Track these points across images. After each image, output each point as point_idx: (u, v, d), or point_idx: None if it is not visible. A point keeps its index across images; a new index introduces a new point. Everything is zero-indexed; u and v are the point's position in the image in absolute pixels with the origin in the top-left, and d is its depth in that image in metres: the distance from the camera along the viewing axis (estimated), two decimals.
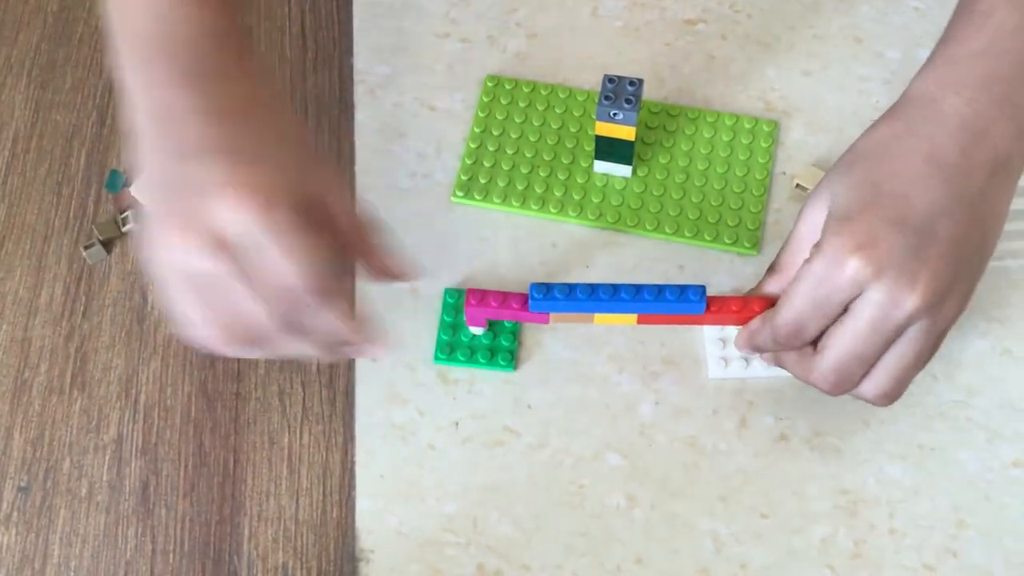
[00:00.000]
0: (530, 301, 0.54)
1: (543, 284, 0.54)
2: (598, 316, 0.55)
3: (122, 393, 0.59)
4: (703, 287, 0.53)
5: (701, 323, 0.55)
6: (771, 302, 0.52)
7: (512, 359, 0.58)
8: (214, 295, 0.43)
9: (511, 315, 0.56)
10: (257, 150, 0.45)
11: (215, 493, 0.56)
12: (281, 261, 0.43)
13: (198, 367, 0.60)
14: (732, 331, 0.57)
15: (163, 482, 0.57)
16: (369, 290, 0.61)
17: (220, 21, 0.48)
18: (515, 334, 0.59)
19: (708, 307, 0.54)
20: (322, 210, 0.46)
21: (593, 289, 0.54)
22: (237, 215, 0.42)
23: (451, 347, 0.58)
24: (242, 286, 0.43)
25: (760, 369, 0.56)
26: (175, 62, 0.46)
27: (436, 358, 0.58)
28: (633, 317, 0.55)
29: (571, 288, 0.54)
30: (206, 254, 0.42)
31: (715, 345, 0.58)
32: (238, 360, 0.60)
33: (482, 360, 0.58)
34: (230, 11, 0.48)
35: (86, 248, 0.63)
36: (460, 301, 0.59)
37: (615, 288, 0.54)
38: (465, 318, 0.57)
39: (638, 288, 0.54)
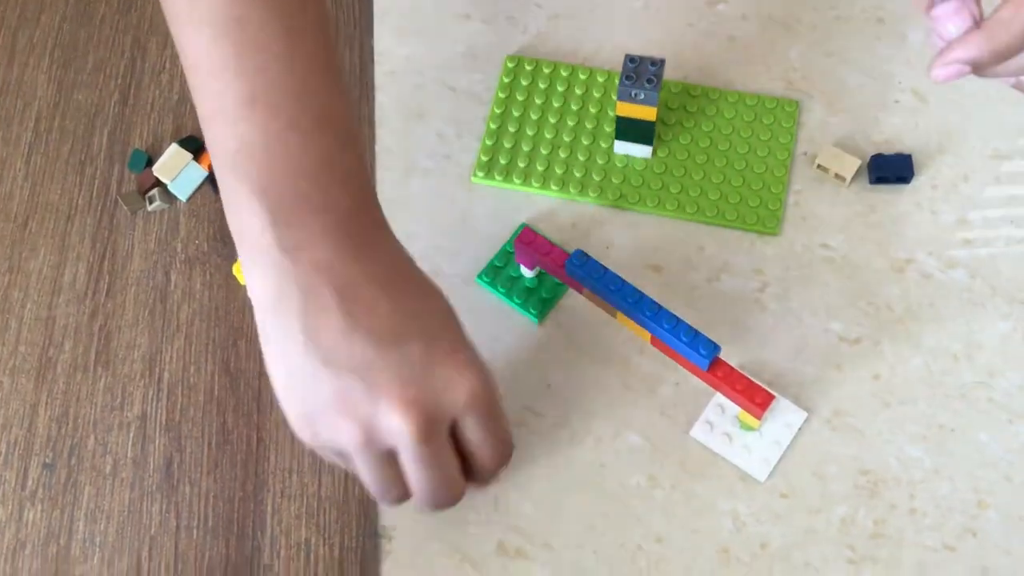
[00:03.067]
0: (566, 263, 0.55)
1: (585, 254, 0.55)
2: (620, 315, 0.55)
3: (146, 371, 0.60)
4: (717, 347, 0.52)
5: (704, 380, 0.55)
6: (769, 400, 0.52)
7: (542, 311, 0.59)
8: (390, 470, 0.46)
9: (550, 268, 0.56)
10: (445, 327, 0.46)
11: (238, 470, 0.57)
12: (496, 441, 0.46)
13: (221, 346, 0.60)
14: (732, 405, 0.56)
15: (187, 459, 0.57)
16: None
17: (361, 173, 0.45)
18: (557, 291, 0.59)
19: (714, 369, 0.53)
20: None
21: (622, 285, 0.54)
22: (460, 400, 0.44)
23: (496, 273, 0.60)
24: (436, 470, 0.45)
25: (735, 455, 0.55)
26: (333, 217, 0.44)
27: (479, 277, 0.60)
28: (648, 335, 0.55)
29: (605, 272, 0.54)
30: (417, 440, 0.44)
31: (713, 408, 0.56)
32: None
33: (517, 299, 0.59)
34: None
35: (150, 200, 0.63)
36: None
37: (640, 297, 0.54)
38: (515, 252, 0.58)
39: (659, 310, 0.53)
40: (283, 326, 0.43)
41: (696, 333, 0.53)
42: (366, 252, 0.44)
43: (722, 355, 0.54)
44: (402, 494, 0.47)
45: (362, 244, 0.44)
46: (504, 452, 0.48)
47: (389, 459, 0.45)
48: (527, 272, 0.60)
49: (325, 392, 0.43)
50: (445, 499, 0.48)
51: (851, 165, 0.61)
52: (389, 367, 0.43)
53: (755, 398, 0.53)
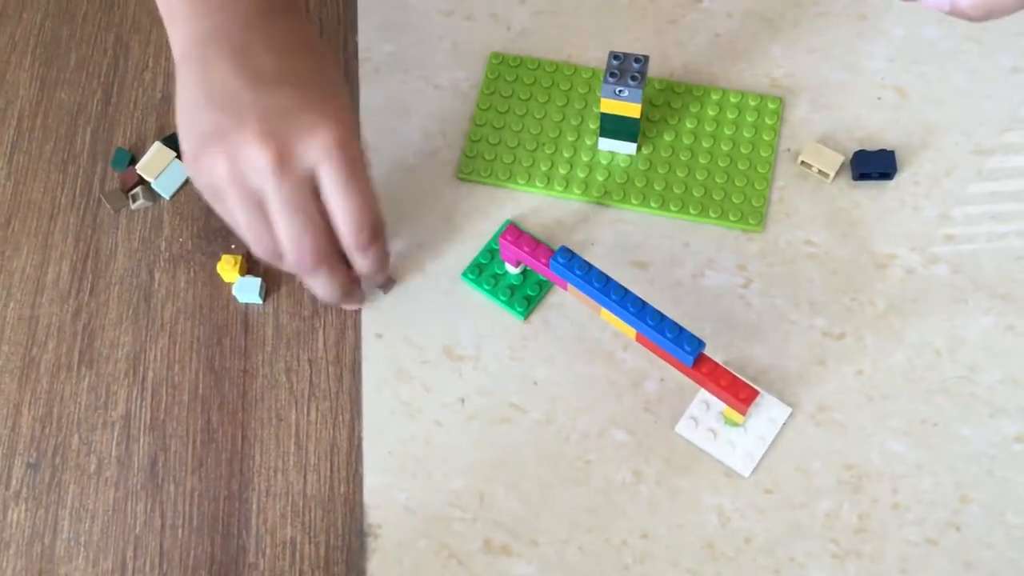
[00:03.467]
0: (551, 260, 0.55)
1: (569, 251, 0.55)
2: (605, 311, 0.56)
3: (130, 370, 0.60)
4: (701, 343, 0.53)
5: (688, 376, 0.55)
6: (753, 395, 0.53)
7: (527, 308, 0.59)
8: (258, 213, 0.50)
9: (535, 265, 0.57)
10: (325, 87, 0.50)
11: (223, 469, 0.57)
12: (353, 197, 0.50)
13: (205, 344, 0.60)
14: (717, 401, 0.56)
15: (171, 458, 0.57)
16: None
17: None
18: (542, 288, 0.59)
19: (699, 366, 0.54)
20: None
21: (607, 282, 0.54)
22: (318, 143, 0.48)
23: (481, 270, 0.60)
24: (298, 214, 0.50)
25: (720, 451, 0.55)
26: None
27: (464, 275, 0.60)
28: (633, 332, 0.55)
29: (590, 269, 0.54)
30: (273, 172, 0.48)
31: (698, 404, 0.57)
32: (245, 337, 0.60)
33: (501, 296, 0.59)
34: None
35: (133, 198, 0.63)
36: None
37: (625, 293, 0.54)
38: (500, 249, 0.58)
39: (644, 306, 0.54)
40: (186, 72, 0.51)
41: (681, 330, 0.53)
42: (266, 22, 0.51)
43: (706, 351, 0.55)
44: (272, 245, 0.51)
45: (266, 15, 0.51)
46: (363, 218, 0.51)
47: (259, 203, 0.50)
48: (512, 269, 0.60)
49: (206, 126, 0.49)
50: (312, 254, 0.51)
51: (834, 161, 0.62)
52: (258, 105, 0.48)
53: (739, 394, 0.53)
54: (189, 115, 0.51)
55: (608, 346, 0.59)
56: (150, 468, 0.57)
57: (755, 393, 0.53)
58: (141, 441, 0.58)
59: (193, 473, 0.57)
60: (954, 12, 0.46)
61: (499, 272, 0.60)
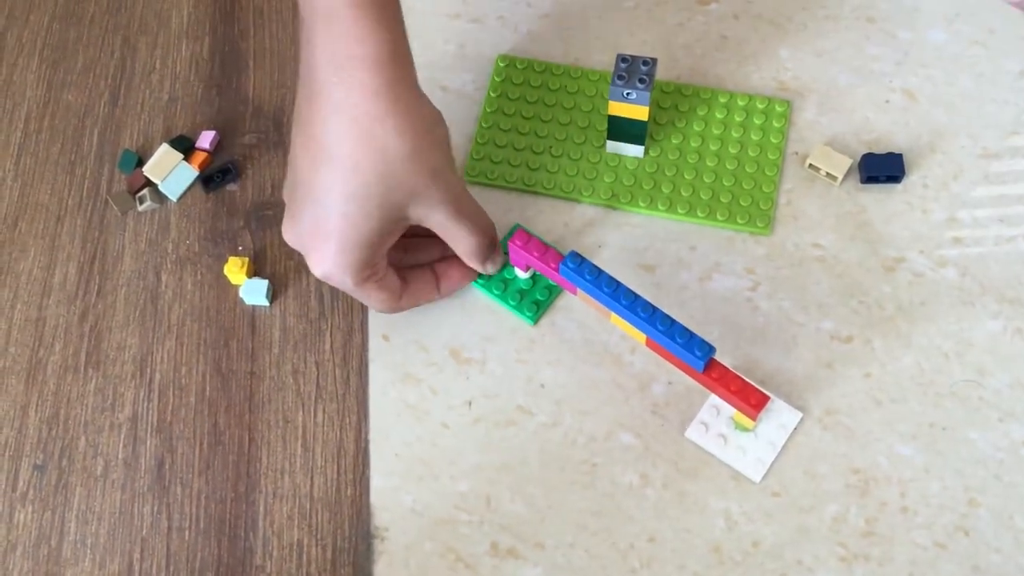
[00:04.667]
0: (561, 265, 0.55)
1: (579, 256, 0.55)
2: (614, 316, 0.55)
3: (137, 372, 0.60)
4: (711, 348, 0.52)
5: (698, 381, 0.55)
6: (764, 401, 0.52)
7: (536, 312, 0.59)
8: None
9: (544, 270, 0.57)
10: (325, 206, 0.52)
11: (230, 471, 0.57)
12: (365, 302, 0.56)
13: (212, 347, 0.60)
14: (727, 406, 0.56)
15: (178, 460, 0.57)
16: None
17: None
18: (551, 292, 0.59)
19: (709, 371, 0.53)
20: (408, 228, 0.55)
21: (616, 287, 0.54)
22: (319, 272, 0.53)
23: (490, 276, 0.60)
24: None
25: (730, 456, 0.55)
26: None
27: (475, 281, 0.60)
28: (643, 336, 0.55)
29: (599, 273, 0.54)
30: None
31: (708, 409, 0.57)
32: (252, 340, 0.60)
33: (511, 301, 0.59)
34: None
35: (140, 200, 0.63)
36: None
37: (634, 298, 0.54)
38: (509, 254, 0.58)
39: (654, 311, 0.53)
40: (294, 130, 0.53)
41: (691, 335, 0.53)
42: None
43: (715, 355, 0.55)
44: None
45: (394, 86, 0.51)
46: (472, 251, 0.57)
47: None
48: (521, 274, 0.60)
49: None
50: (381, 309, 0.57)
51: (842, 164, 0.62)
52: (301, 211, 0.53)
53: (750, 399, 0.53)
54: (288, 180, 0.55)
55: (616, 349, 0.58)
56: (157, 470, 0.57)
57: (766, 398, 0.53)
58: (148, 443, 0.58)
59: (200, 475, 0.57)
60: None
61: (508, 277, 0.60)
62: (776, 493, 0.55)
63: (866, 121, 0.64)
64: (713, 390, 0.55)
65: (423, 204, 0.53)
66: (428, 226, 0.55)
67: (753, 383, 0.54)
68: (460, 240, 0.56)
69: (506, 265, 0.60)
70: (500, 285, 0.60)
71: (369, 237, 0.52)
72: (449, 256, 0.59)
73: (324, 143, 0.51)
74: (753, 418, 0.54)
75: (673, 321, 0.53)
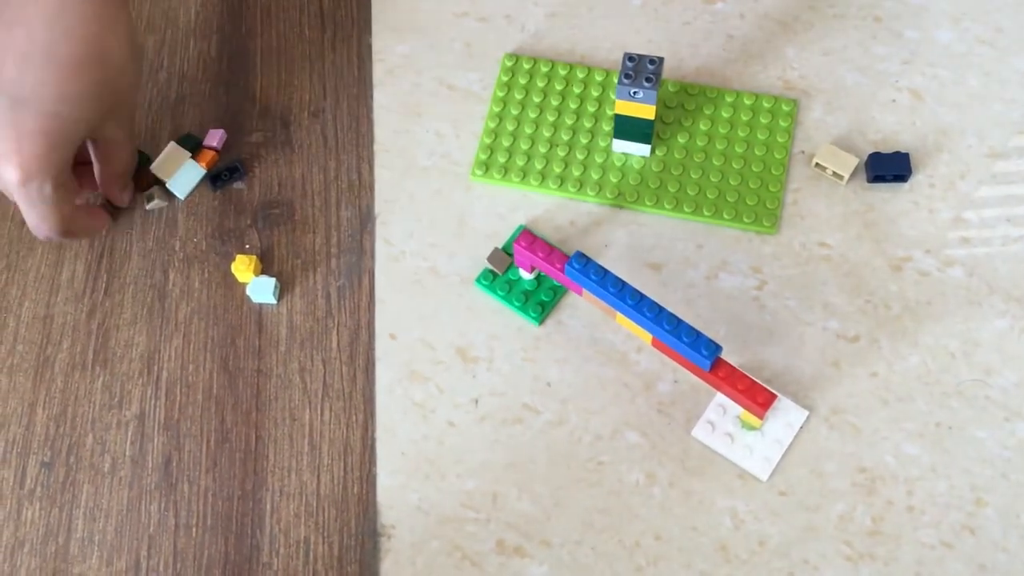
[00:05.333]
0: (566, 266, 0.55)
1: (585, 257, 0.55)
2: (620, 316, 0.55)
3: (144, 370, 0.60)
4: (718, 347, 0.53)
5: (704, 380, 0.55)
6: (771, 400, 0.52)
7: (541, 313, 0.59)
8: None
9: (549, 271, 0.57)
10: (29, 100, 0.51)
11: (237, 468, 0.57)
12: (33, 220, 0.56)
13: (219, 344, 0.60)
14: (733, 405, 0.56)
15: (185, 457, 0.57)
16: (391, 274, 0.61)
17: None
18: (556, 293, 0.59)
19: (716, 370, 0.53)
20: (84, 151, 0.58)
21: (622, 286, 0.54)
22: (17, 176, 0.53)
23: (495, 275, 0.60)
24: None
25: (737, 455, 0.55)
26: None
27: (478, 281, 0.60)
28: (648, 335, 0.55)
29: (605, 274, 0.54)
30: None
31: (715, 408, 0.57)
32: (259, 338, 0.60)
33: (516, 302, 0.59)
34: None
35: (148, 198, 0.64)
36: None
37: (640, 298, 0.54)
38: (514, 254, 0.58)
39: (660, 311, 0.53)
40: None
41: (698, 334, 0.53)
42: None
43: (722, 354, 0.55)
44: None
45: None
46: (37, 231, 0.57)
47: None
48: (526, 275, 0.60)
49: None
50: (43, 232, 0.57)
51: (849, 163, 0.62)
52: None
53: (757, 398, 0.53)
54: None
55: (622, 348, 0.59)
56: (164, 468, 0.57)
57: (773, 397, 0.53)
58: (155, 441, 0.58)
59: (207, 473, 0.57)
60: None
61: (513, 278, 0.60)
62: (782, 492, 0.55)
63: (872, 120, 0.64)
64: (720, 389, 0.55)
65: (120, 114, 0.56)
66: (106, 138, 0.57)
67: (760, 382, 0.54)
68: (121, 158, 0.59)
69: (511, 267, 0.60)
70: (505, 286, 0.60)
71: (75, 138, 0.54)
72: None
73: (40, 41, 0.51)
74: (760, 417, 0.54)
75: (679, 320, 0.53)
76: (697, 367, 0.54)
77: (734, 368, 0.54)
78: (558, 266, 0.56)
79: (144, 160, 0.65)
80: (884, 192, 0.62)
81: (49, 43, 0.51)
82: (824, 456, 0.55)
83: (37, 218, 0.56)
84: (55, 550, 0.56)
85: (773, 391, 0.54)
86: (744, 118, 0.64)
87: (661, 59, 0.58)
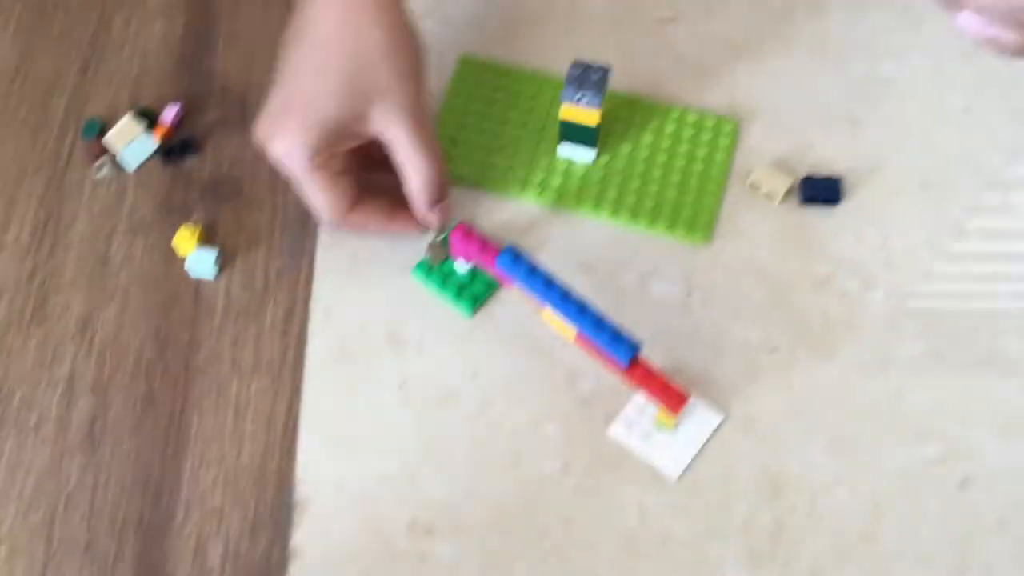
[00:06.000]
0: (497, 257, 0.56)
1: (515, 250, 0.56)
2: (546, 313, 0.57)
3: (78, 332, 0.61)
4: (637, 345, 0.54)
5: (623, 378, 0.56)
6: (683, 400, 0.54)
7: (474, 305, 0.60)
8: None
9: (482, 261, 0.58)
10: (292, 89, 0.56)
11: (160, 434, 0.58)
12: (306, 196, 0.59)
13: (155, 313, 0.61)
14: (651, 405, 0.57)
15: (110, 420, 0.58)
16: (331, 255, 0.62)
17: None
18: (490, 288, 0.61)
19: (634, 368, 0.55)
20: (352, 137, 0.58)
21: (550, 282, 0.56)
22: (273, 157, 0.57)
23: (430, 268, 0.61)
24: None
25: (652, 455, 0.57)
26: None
27: (414, 271, 0.62)
28: (572, 332, 0.57)
29: (534, 268, 0.56)
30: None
31: (634, 407, 0.58)
32: (195, 309, 0.61)
33: (449, 291, 0.61)
34: None
35: (98, 168, 0.64)
36: None
37: (566, 293, 0.55)
38: (450, 246, 0.60)
39: (584, 307, 0.55)
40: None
41: (619, 332, 0.54)
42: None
43: (645, 356, 0.56)
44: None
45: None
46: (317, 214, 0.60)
47: None
48: (461, 266, 0.61)
49: None
50: (319, 215, 0.60)
51: (781, 184, 0.63)
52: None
53: (671, 398, 0.55)
54: None
55: (548, 344, 0.60)
56: (88, 428, 0.58)
57: (685, 398, 0.55)
58: (82, 402, 0.59)
59: (130, 436, 0.58)
60: (989, 44, 0.49)
61: (448, 271, 0.62)
62: (691, 491, 0.56)
63: (811, 144, 0.66)
64: (639, 387, 0.56)
65: (387, 106, 0.56)
66: (387, 140, 0.57)
67: (676, 384, 0.55)
68: (414, 166, 0.58)
69: (447, 258, 0.62)
70: (440, 277, 0.61)
71: (328, 116, 0.56)
72: (403, 199, 0.61)
73: (306, 28, 0.56)
74: (673, 415, 0.55)
75: (602, 318, 0.55)
76: (617, 364, 0.56)
77: (651, 368, 0.55)
78: (490, 257, 0.58)
79: (99, 129, 0.66)
80: (815, 214, 0.64)
81: (309, 27, 0.56)
82: (734, 459, 0.57)
83: (308, 199, 0.59)
84: None
85: (686, 393, 0.55)
86: (687, 134, 0.66)
87: (607, 69, 0.60)
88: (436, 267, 0.61)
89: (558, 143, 0.65)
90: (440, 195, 0.60)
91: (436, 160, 0.59)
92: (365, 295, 0.61)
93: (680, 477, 0.56)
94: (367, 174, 0.61)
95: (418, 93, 0.58)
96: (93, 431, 0.58)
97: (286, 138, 0.56)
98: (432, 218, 0.60)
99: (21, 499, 0.56)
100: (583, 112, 0.61)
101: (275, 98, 0.57)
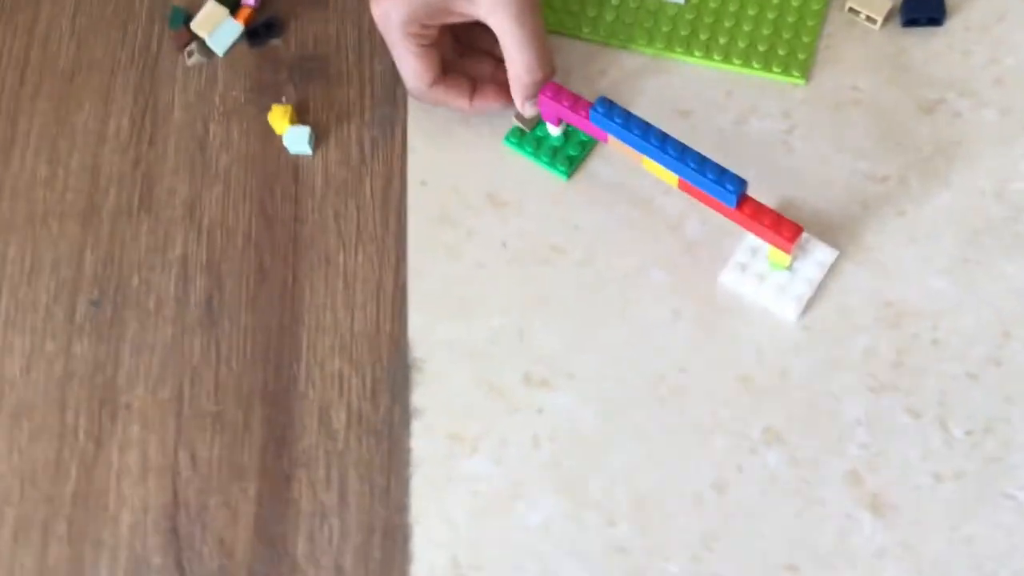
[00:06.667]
0: (591, 111, 0.55)
1: (609, 101, 0.55)
2: (646, 160, 0.56)
3: (186, 215, 0.62)
4: (744, 181, 0.53)
5: (731, 218, 0.55)
6: (798, 232, 0.52)
7: (570, 167, 0.60)
8: None
9: (575, 119, 0.57)
10: None
11: (275, 306, 0.59)
12: (398, 63, 0.59)
13: (258, 192, 0.62)
14: (764, 247, 0.56)
15: (226, 296, 0.60)
16: (423, 124, 0.62)
17: None
18: (584, 148, 0.60)
19: (742, 206, 0.53)
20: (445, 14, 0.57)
21: (647, 128, 0.54)
22: (377, 10, 0.57)
23: (523, 133, 0.61)
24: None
25: (768, 297, 0.55)
26: None
27: (506, 139, 0.61)
28: (675, 178, 0.55)
29: (629, 117, 0.55)
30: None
31: (744, 251, 0.57)
32: (296, 186, 0.62)
33: (544, 157, 0.60)
34: None
35: (189, 54, 0.65)
36: None
37: (664, 138, 0.54)
38: (540, 108, 0.59)
39: (685, 149, 0.54)
40: None
41: (723, 170, 0.53)
42: None
43: (749, 194, 0.55)
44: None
45: None
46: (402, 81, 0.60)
47: None
48: (553, 130, 0.60)
49: None
50: (407, 84, 0.60)
51: (882, 6, 0.61)
52: None
53: (784, 231, 0.53)
54: None
55: (649, 192, 0.59)
56: (206, 305, 0.60)
57: (800, 229, 0.53)
58: (197, 281, 0.60)
59: (247, 310, 0.59)
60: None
61: (540, 135, 0.61)
62: (807, 327, 0.55)
63: None
64: (746, 226, 0.55)
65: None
66: (491, 23, 0.56)
67: (784, 216, 0.54)
68: (519, 62, 0.57)
69: (539, 122, 0.61)
70: (533, 143, 0.61)
71: None
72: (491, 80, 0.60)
73: None
74: (788, 251, 0.54)
75: (704, 158, 0.54)
76: (723, 205, 0.55)
77: (760, 204, 0.54)
78: (583, 113, 0.57)
79: (184, 18, 0.67)
80: (918, 36, 0.61)
81: None
82: (850, 292, 0.56)
83: (398, 65, 0.59)
84: (102, 381, 0.58)
85: (799, 224, 0.54)
86: None
87: None
88: (528, 133, 0.61)
89: None
90: (540, 84, 0.58)
91: (542, 58, 0.57)
92: (460, 162, 0.61)
93: (798, 317, 0.55)
94: (460, 58, 0.61)
95: None
96: (211, 307, 0.59)
97: (387, 2, 0.56)
98: (530, 110, 0.59)
99: (149, 377, 0.58)
100: None
101: None
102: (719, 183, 0.53)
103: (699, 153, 0.54)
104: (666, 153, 0.54)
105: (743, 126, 0.60)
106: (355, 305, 0.59)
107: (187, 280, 0.60)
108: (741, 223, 0.55)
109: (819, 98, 0.60)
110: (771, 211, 0.54)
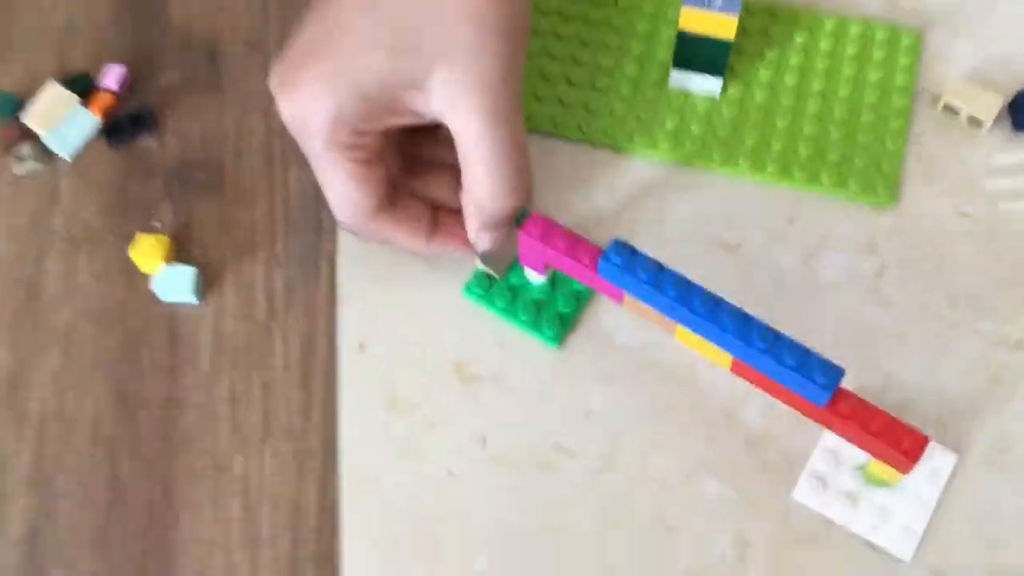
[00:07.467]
0: (600, 260, 0.38)
1: (627, 246, 0.37)
2: (682, 330, 0.38)
3: (5, 399, 0.42)
4: (840, 371, 0.36)
5: (812, 417, 0.38)
6: (922, 444, 0.36)
7: (561, 331, 0.42)
8: None
9: (575, 270, 0.39)
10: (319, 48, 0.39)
11: (135, 546, 0.39)
12: (324, 187, 0.42)
13: (115, 362, 0.42)
14: (850, 450, 0.40)
15: (60, 529, 0.39)
16: (361, 258, 0.44)
17: None
18: (580, 301, 0.42)
19: (835, 403, 0.36)
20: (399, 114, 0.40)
21: (688, 288, 0.37)
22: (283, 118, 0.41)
23: (491, 282, 0.43)
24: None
25: (863, 524, 0.39)
26: None
27: (467, 289, 0.43)
28: (728, 358, 0.38)
29: (661, 269, 0.37)
30: None
31: (823, 455, 0.40)
32: (172, 352, 0.43)
33: (522, 316, 0.42)
34: None
35: (19, 158, 0.46)
36: None
37: (716, 303, 0.37)
38: (519, 250, 0.41)
39: (747, 320, 0.36)
40: None
41: (807, 354, 0.36)
42: None
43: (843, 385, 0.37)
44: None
45: None
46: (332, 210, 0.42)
47: None
48: (535, 277, 0.42)
49: None
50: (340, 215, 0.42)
51: (990, 105, 0.45)
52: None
53: (902, 443, 0.36)
54: None
55: (686, 357, 0.41)
56: (29, 544, 0.39)
57: (924, 441, 0.36)
58: (18, 504, 0.40)
59: (91, 551, 0.39)
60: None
61: (516, 282, 0.43)
62: (937, 570, 0.38)
63: (1019, 50, 0.47)
64: (839, 431, 0.37)
65: (457, 75, 0.38)
66: (450, 122, 0.39)
67: (899, 418, 0.36)
68: (481, 167, 0.39)
69: (514, 266, 0.43)
70: (506, 296, 0.42)
71: (369, 75, 0.38)
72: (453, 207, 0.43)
73: None
74: (906, 471, 0.37)
75: (778, 334, 0.36)
76: (807, 404, 0.37)
77: (861, 400, 0.36)
78: (587, 262, 0.39)
79: (13, 105, 0.47)
80: None
81: None
82: (991, 513, 0.38)
83: (324, 189, 0.41)
84: None
85: (921, 432, 0.37)
86: (850, 51, 0.47)
87: None
88: (499, 282, 0.43)
89: (670, 69, 0.46)
90: (508, 217, 0.41)
91: (517, 178, 0.40)
92: (413, 312, 0.43)
93: (916, 554, 0.38)
94: (410, 176, 0.43)
95: (509, 63, 0.38)
96: (35, 547, 0.39)
97: (303, 96, 0.38)
98: (484, 240, 0.41)
99: None
100: (715, 19, 0.42)
101: (299, 37, 0.40)
102: (803, 372, 0.36)
103: (768, 326, 0.36)
104: (719, 323, 0.36)
105: (813, 265, 0.43)
106: (260, 542, 0.39)
107: (2, 503, 0.40)
108: (830, 425, 0.38)
109: (915, 227, 0.44)
110: (880, 412, 0.36)
